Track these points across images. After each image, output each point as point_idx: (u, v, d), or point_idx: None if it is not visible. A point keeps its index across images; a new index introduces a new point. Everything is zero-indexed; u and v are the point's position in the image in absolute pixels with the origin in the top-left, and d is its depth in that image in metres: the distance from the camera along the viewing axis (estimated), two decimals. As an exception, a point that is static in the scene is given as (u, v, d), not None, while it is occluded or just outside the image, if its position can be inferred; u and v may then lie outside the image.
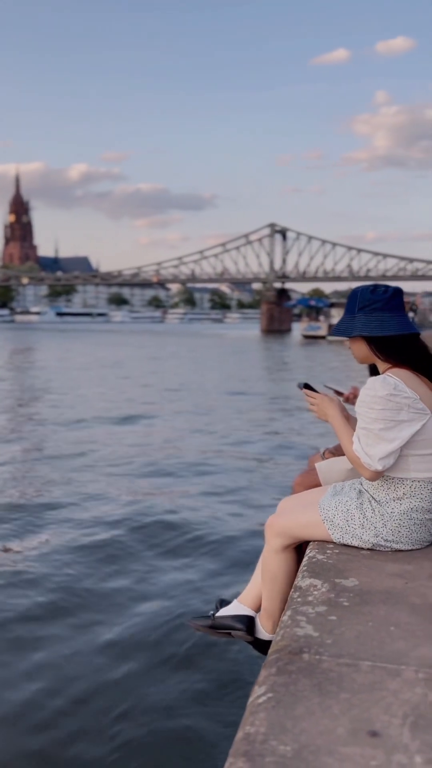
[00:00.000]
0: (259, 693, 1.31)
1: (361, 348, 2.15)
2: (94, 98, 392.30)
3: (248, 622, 2.35)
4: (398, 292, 2.10)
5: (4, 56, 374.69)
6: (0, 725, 3.58)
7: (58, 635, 4.53)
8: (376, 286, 2.14)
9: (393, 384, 1.99)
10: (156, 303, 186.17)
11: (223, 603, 2.47)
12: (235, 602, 2.43)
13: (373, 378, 2.05)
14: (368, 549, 2.10)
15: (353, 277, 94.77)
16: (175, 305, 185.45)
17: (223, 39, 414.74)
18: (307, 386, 2.32)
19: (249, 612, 2.37)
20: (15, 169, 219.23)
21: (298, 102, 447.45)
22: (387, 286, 2.13)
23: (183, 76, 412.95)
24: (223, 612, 2.41)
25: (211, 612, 2.45)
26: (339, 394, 2.54)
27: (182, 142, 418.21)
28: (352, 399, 2.99)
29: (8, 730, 3.55)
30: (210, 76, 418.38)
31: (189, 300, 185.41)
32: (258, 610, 2.36)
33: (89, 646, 4.39)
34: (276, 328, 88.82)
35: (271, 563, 2.25)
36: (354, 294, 2.15)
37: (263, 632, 2.32)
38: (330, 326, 56.24)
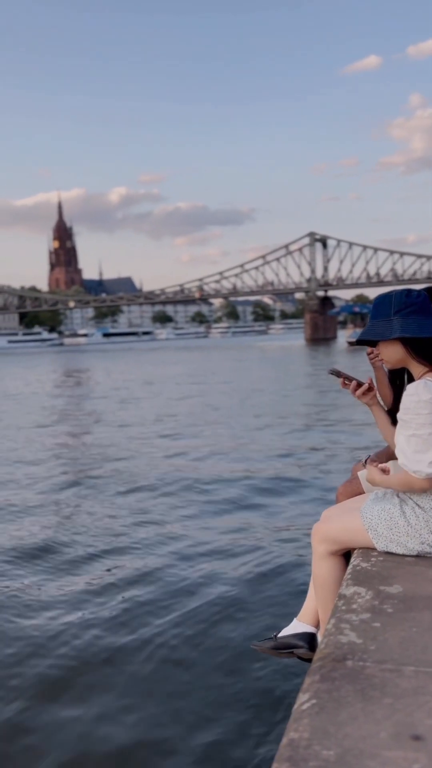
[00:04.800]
0: (303, 700, 1.34)
1: (397, 351, 2.14)
2: (128, 121, 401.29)
3: (310, 639, 2.36)
4: (429, 296, 2.14)
5: (39, 89, 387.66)
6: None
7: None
8: (410, 291, 2.17)
9: None
10: (199, 318, 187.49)
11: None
12: (294, 621, 2.45)
13: (414, 383, 2.05)
14: (413, 556, 2.10)
15: (398, 280, 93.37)
16: (219, 319, 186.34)
17: (252, 51, 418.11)
18: (337, 372, 2.33)
19: (309, 629, 2.39)
20: (57, 197, 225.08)
21: (331, 110, 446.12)
22: (419, 291, 2.17)
23: (214, 92, 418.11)
24: (285, 632, 2.43)
25: (274, 634, 2.48)
26: (349, 380, 2.39)
27: (218, 158, 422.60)
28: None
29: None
30: (241, 89, 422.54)
31: (232, 313, 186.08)
32: (318, 625, 2.37)
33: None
34: (321, 336, 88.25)
35: (319, 570, 2.27)
36: (387, 298, 2.17)
37: None
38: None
